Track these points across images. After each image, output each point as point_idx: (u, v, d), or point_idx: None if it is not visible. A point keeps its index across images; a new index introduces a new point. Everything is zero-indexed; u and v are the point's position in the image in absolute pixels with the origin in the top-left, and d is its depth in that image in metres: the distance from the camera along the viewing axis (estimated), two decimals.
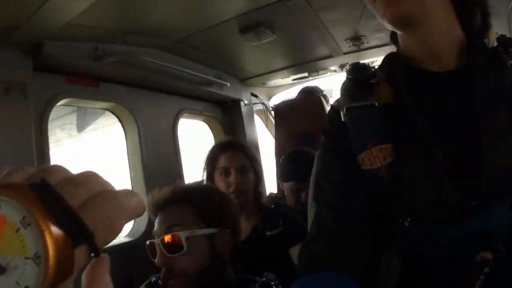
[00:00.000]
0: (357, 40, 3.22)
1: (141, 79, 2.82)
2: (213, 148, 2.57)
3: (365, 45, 3.33)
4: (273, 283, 1.57)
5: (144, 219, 2.80)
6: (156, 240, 1.52)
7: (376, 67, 1.08)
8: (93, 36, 2.32)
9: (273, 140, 4.26)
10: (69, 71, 2.43)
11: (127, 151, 2.91)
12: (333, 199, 1.00)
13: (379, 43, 3.37)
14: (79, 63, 2.38)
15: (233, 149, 2.50)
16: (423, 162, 0.92)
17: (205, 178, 2.53)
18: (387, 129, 0.96)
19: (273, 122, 4.40)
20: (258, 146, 4.15)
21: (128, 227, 2.91)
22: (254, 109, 4.29)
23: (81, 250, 0.39)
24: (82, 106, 2.88)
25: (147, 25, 2.39)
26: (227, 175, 2.43)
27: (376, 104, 0.97)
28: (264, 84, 4.24)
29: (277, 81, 4.24)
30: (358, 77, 1.04)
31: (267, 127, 4.50)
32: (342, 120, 1.02)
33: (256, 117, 4.37)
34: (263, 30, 2.65)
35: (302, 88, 4.32)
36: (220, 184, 2.45)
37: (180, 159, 3.23)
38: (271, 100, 4.75)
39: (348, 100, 1.01)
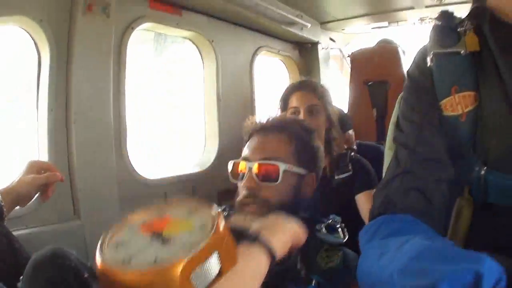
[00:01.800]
0: None
1: (223, 11, 2.81)
2: (287, 88, 2.58)
3: (447, 1, 3.16)
4: (338, 225, 1.56)
5: (213, 150, 2.93)
6: (249, 164, 1.52)
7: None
8: None
9: (346, 86, 4.28)
10: None
11: (204, 82, 2.98)
12: (413, 142, 1.02)
13: None
14: None
15: (303, 89, 2.49)
16: (505, 112, 0.92)
17: None
18: (471, 77, 0.97)
19: (348, 68, 4.38)
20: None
21: (197, 157, 3.05)
22: (331, 54, 4.26)
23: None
24: (164, 32, 2.94)
25: None
26: (297, 115, 2.43)
27: (462, 51, 0.98)
28: (343, 29, 4.14)
29: (356, 27, 4.14)
30: (447, 24, 1.04)
31: (341, 72, 4.49)
32: (428, 65, 1.03)
33: (331, 61, 4.33)
34: None
35: (380, 41, 4.17)
36: None
37: (255, 95, 3.29)
38: (347, 46, 4.69)
39: (435, 46, 1.03)
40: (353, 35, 4.52)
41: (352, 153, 2.53)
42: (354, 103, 3.96)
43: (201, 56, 2.94)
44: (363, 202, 2.31)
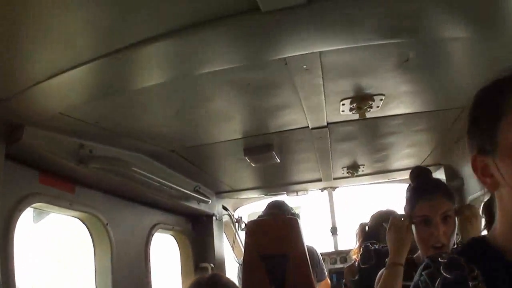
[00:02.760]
0: (354, 168, 3.14)
1: (122, 188, 2.44)
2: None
3: (359, 173, 3.27)
4: None
5: None
6: None
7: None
8: (80, 132, 1.93)
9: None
10: (45, 168, 1.97)
11: (95, 268, 2.42)
12: None
13: (371, 171, 3.35)
14: (59, 161, 1.93)
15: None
16: None
17: None
18: None
19: (238, 236, 4.16)
20: (224, 264, 3.85)
21: None
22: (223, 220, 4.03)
23: None
24: (54, 212, 2.43)
25: (146, 130, 2.08)
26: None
27: None
28: (237, 197, 4.04)
29: (250, 194, 4.07)
30: (458, 277, 0.94)
31: (232, 245, 4.23)
32: None
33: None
34: (270, 155, 2.51)
35: (270, 205, 3.96)
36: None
37: (150, 277, 2.80)
38: (236, 211, 4.56)
39: None
40: (243, 200, 4.41)
41: None
42: (249, 279, 3.58)
43: (92, 238, 2.42)
44: None
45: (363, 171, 3.24)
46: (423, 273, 1.08)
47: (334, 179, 3.46)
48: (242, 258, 3.92)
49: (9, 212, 1.78)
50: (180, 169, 2.79)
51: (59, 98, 1.53)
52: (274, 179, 3.53)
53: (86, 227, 2.41)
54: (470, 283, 0.91)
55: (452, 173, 3.11)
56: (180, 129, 2.14)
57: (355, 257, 3.28)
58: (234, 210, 4.46)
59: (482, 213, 1.07)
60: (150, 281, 2.78)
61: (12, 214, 1.79)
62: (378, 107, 1.89)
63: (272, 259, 3.52)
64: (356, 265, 3.14)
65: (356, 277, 2.48)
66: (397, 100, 1.90)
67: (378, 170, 3.40)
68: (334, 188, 4.21)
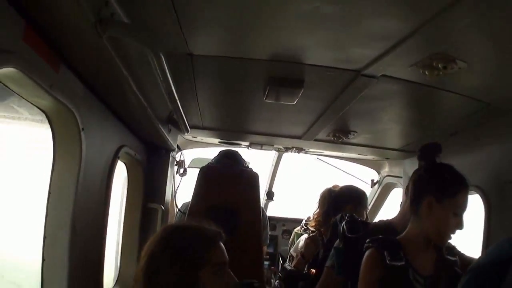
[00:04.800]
0: (344, 133, 2.92)
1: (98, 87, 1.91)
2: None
3: (345, 140, 3.04)
4: None
5: None
6: None
7: None
8: None
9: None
10: None
11: (52, 174, 1.80)
12: None
13: (360, 141, 3.18)
14: None
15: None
16: None
17: None
18: None
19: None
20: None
21: None
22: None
23: None
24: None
25: None
26: None
27: None
28: (194, 136, 3.57)
29: (206, 138, 3.66)
30: None
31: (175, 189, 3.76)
32: None
33: None
34: (296, 92, 2.11)
35: (223, 153, 3.53)
36: None
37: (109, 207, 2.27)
38: (180, 153, 4.02)
39: None
40: (193, 143, 3.95)
41: None
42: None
43: (55, 145, 1.81)
44: None
45: (350, 138, 3.00)
46: None
47: (315, 140, 3.17)
48: (184, 205, 3.52)
49: None
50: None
51: None
52: (250, 124, 3.13)
53: (50, 125, 1.78)
54: None
55: None
56: None
57: (311, 228, 3.16)
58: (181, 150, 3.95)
59: None
60: (108, 207, 2.25)
61: None
62: (449, 73, 1.62)
63: (222, 212, 3.13)
64: (318, 235, 2.96)
65: (341, 245, 2.30)
66: (470, 70, 1.64)
67: (368, 143, 3.25)
68: (300, 151, 3.89)
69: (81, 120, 1.76)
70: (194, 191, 3.27)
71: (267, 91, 2.11)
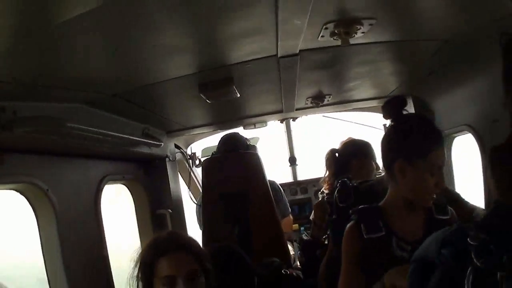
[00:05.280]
0: (319, 99, 2.87)
1: (60, 146, 2.04)
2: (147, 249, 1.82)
3: (324, 103, 3.00)
4: None
5: None
6: None
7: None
8: None
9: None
10: None
11: (41, 240, 2.08)
12: None
13: (336, 101, 3.11)
14: None
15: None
16: None
17: None
18: None
19: (194, 172, 3.88)
20: (183, 206, 3.60)
21: None
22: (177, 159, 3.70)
23: None
24: None
25: (79, 76, 1.67)
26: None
27: None
28: (189, 134, 3.70)
29: (203, 129, 3.73)
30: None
31: (189, 185, 3.95)
32: None
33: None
34: (230, 89, 2.15)
35: (223, 139, 3.58)
36: None
37: (104, 232, 2.48)
38: (189, 147, 4.20)
39: None
40: (195, 136, 4.09)
41: None
42: (210, 219, 3.36)
43: (34, 209, 2.05)
44: None
45: (328, 101, 2.98)
46: None
47: (297, 109, 3.19)
48: (200, 198, 3.68)
49: None
50: (126, 114, 2.40)
51: None
52: (231, 114, 3.25)
53: (24, 197, 2.02)
54: None
55: (422, 105, 2.92)
56: (121, 70, 1.74)
57: (326, 190, 3.06)
58: (187, 147, 4.14)
59: None
60: (104, 239, 2.47)
61: None
62: (363, 33, 1.57)
63: (232, 197, 3.30)
64: (326, 199, 2.92)
65: (334, 216, 2.25)
66: (384, 26, 1.61)
67: (344, 100, 3.19)
68: (294, 119, 3.96)
69: (43, 183, 1.96)
70: (202, 183, 3.48)
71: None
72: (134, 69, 1.76)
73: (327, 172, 3.15)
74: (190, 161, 4.08)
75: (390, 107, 1.87)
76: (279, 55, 1.84)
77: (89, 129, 1.94)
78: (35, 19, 1.04)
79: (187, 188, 3.96)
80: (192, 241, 1.86)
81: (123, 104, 2.17)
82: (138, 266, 1.77)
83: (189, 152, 4.10)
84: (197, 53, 1.75)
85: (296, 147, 5.14)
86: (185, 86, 2.13)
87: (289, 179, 5.07)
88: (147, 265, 1.74)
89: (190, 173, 3.89)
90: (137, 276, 1.77)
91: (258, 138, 4.26)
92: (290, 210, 3.97)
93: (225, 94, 2.26)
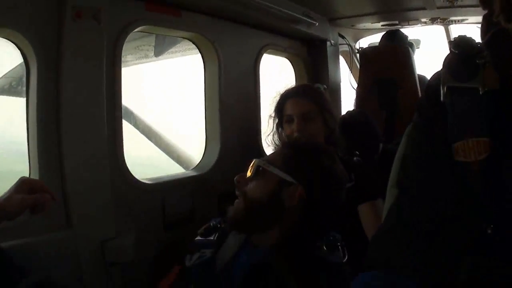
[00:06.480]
0: None
1: (225, 10, 2.72)
2: (280, 95, 2.53)
3: (459, 3, 3.06)
4: (339, 243, 1.54)
5: (214, 153, 2.82)
6: None
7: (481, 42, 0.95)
8: None
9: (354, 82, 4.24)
10: None
11: (205, 83, 2.86)
12: (419, 192, 0.91)
13: (473, 2, 3.05)
14: None
15: (297, 96, 2.44)
16: None
17: (274, 127, 2.55)
18: (487, 120, 0.84)
19: (358, 65, 4.30)
20: (339, 88, 4.09)
21: (197, 159, 2.99)
22: (340, 50, 4.16)
23: None
24: (162, 33, 2.89)
25: None
26: (291, 123, 2.39)
27: (480, 89, 0.85)
28: (353, 26, 4.06)
29: (366, 24, 4.07)
30: (464, 53, 0.91)
31: (350, 70, 4.38)
32: (441, 100, 0.91)
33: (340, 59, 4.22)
34: None
35: (387, 32, 4.16)
36: (286, 132, 2.44)
37: (259, 98, 3.18)
38: (357, 42, 4.57)
39: (450, 79, 0.90)
40: (363, 32, 4.42)
41: (355, 158, 2.45)
42: (362, 102, 3.93)
43: (202, 57, 2.86)
44: (366, 213, 2.24)
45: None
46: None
47: (437, 8, 3.31)
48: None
49: (117, 34, 2.13)
50: None
51: None
52: (377, 4, 3.50)
53: (195, 45, 2.82)
54: (478, 61, 0.89)
55: None
56: None
57: None
58: (356, 41, 4.52)
59: None
60: (259, 101, 3.19)
61: (119, 35, 2.15)
62: None
63: (383, 84, 3.79)
64: None
65: None
66: None
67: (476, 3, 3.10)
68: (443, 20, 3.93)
69: (210, 36, 2.74)
70: (359, 69, 4.02)
71: None
72: None
73: None
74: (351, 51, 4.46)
75: None
76: None
77: None
78: None
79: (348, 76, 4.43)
80: (314, 91, 2.60)
81: None
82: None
83: (357, 46, 4.48)
84: None
85: None
86: None
87: None
88: (279, 106, 2.49)
89: (352, 62, 4.32)
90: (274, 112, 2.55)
91: (419, 41, 4.45)
92: None
93: None
